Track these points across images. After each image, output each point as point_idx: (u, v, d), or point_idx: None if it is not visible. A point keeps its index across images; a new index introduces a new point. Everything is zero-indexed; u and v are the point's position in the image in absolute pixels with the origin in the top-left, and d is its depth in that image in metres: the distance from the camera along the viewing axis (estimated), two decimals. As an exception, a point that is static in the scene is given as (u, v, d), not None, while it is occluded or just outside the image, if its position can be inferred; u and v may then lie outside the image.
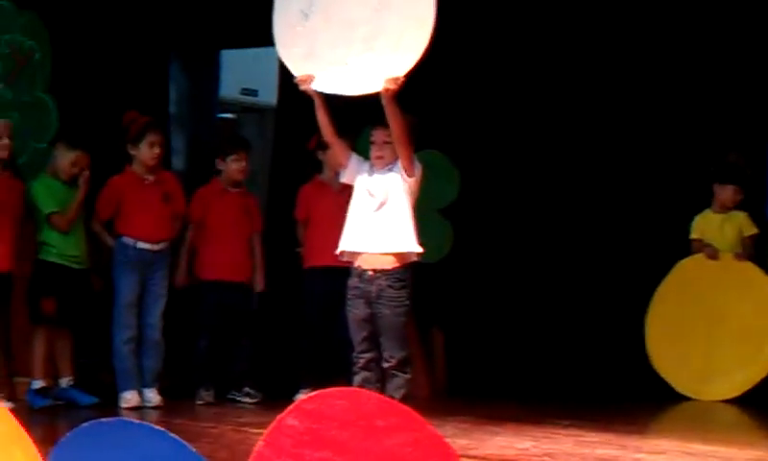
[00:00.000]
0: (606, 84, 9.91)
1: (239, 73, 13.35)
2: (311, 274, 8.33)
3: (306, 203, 8.47)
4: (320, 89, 6.66)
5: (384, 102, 6.41)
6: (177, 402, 8.03)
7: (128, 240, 7.94)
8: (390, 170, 6.60)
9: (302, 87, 6.67)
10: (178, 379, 8.49)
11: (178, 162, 11.02)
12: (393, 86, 6.38)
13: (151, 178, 8.05)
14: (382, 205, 6.55)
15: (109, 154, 8.28)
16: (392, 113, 6.43)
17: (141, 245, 7.94)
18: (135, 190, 7.99)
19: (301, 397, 6.27)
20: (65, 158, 8.03)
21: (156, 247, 7.98)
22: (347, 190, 7.16)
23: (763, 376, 8.81)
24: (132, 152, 7.99)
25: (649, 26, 9.77)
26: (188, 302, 8.42)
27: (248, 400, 8.20)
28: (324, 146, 8.07)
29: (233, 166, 8.38)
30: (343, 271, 6.92)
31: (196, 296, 8.34)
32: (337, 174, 8.03)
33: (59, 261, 7.95)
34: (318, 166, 8.47)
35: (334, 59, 6.63)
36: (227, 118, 13.98)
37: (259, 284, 8.35)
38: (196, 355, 8.27)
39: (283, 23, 6.85)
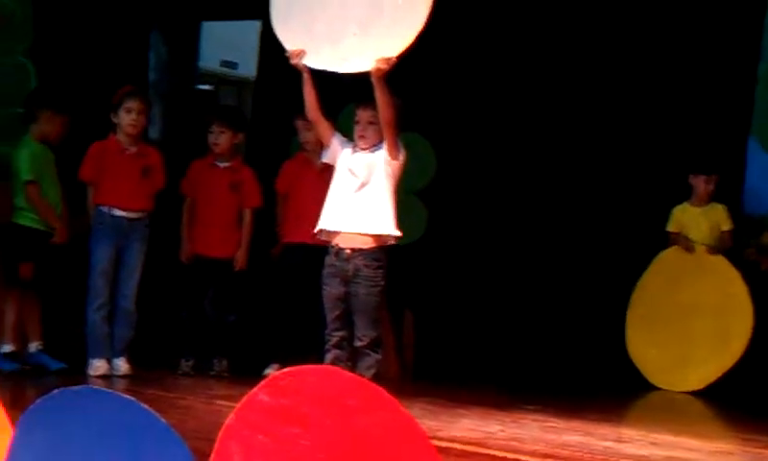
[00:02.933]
0: (586, 71, 9.94)
1: (219, 45, 13.32)
2: (287, 249, 8.34)
3: (288, 177, 8.46)
4: (310, 65, 6.61)
5: (374, 82, 6.35)
6: (148, 372, 8.02)
7: (103, 208, 7.91)
8: (373, 151, 6.57)
9: (293, 62, 6.61)
10: (156, 350, 8.49)
11: (153, 132, 10.98)
12: (384, 67, 6.32)
13: (133, 149, 8.00)
14: (363, 185, 6.53)
15: (90, 121, 8.25)
16: (382, 95, 6.38)
17: (116, 212, 7.90)
18: (115, 158, 7.95)
19: (271, 372, 6.31)
20: (55, 124, 8.00)
21: (131, 215, 7.93)
22: (329, 169, 7.16)
23: (728, 368, 8.88)
24: (114, 120, 7.96)
25: (628, 19, 9.79)
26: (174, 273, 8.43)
27: (224, 372, 8.19)
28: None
29: (210, 138, 8.34)
30: (319, 249, 6.92)
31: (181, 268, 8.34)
32: (318, 152, 8.07)
33: (34, 226, 7.91)
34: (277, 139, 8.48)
35: (329, 35, 6.59)
36: (205, 90, 13.93)
37: (239, 261, 8.28)
38: (178, 326, 8.27)
39: None
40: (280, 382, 3.12)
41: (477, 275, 10.06)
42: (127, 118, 7.93)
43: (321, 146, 7.34)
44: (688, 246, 9.25)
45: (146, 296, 8.17)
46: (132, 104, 7.96)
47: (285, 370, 3.15)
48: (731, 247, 9.19)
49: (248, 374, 7.49)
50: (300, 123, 8.19)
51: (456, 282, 10.02)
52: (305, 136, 8.27)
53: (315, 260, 7.10)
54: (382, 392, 3.11)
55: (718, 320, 9.00)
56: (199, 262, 8.26)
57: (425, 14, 6.29)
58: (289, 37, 6.70)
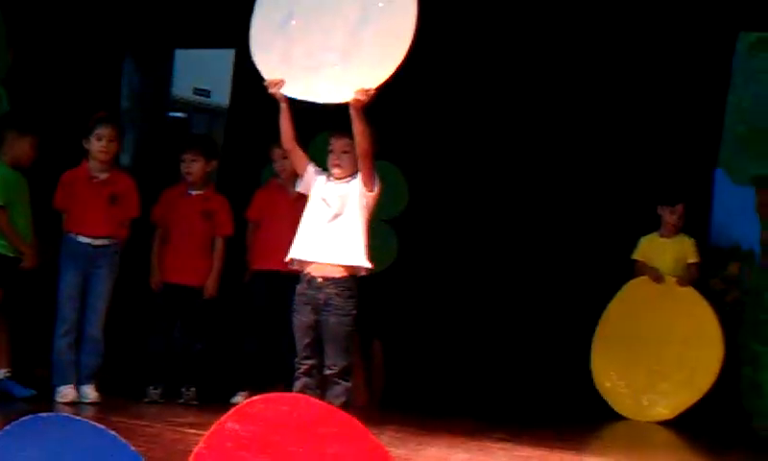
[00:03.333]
0: (554, 100, 10.00)
1: (192, 73, 13.33)
2: (257, 277, 8.35)
3: (260, 205, 8.48)
4: (289, 95, 6.62)
5: (352, 113, 6.34)
6: (116, 400, 7.99)
7: (70, 234, 7.91)
8: (348, 182, 6.57)
9: (272, 91, 6.59)
10: (124, 377, 8.48)
11: (125, 159, 10.97)
12: (363, 98, 6.31)
13: (102, 175, 8.00)
14: (336, 216, 6.52)
15: (64, 147, 8.25)
16: (359, 126, 6.37)
17: (81, 239, 7.89)
18: (83, 186, 7.95)
19: (239, 400, 6.31)
20: (23, 144, 7.99)
21: (96, 242, 7.92)
22: (302, 198, 7.21)
23: (695, 400, 8.92)
24: (86, 146, 7.97)
25: (596, 48, 9.87)
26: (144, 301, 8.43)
27: (192, 400, 8.17)
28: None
29: (183, 167, 8.36)
30: (288, 277, 6.96)
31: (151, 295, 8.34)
32: (293, 180, 8.10)
33: (2, 251, 7.89)
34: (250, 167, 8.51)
35: (308, 65, 6.60)
36: (178, 117, 13.93)
37: (209, 289, 8.28)
38: (146, 354, 8.26)
39: (261, 26, 6.81)
40: (249, 410, 3.13)
41: (446, 303, 10.08)
42: (97, 145, 7.94)
43: (295, 175, 7.36)
44: (657, 276, 9.29)
45: (115, 323, 8.16)
46: (103, 130, 7.96)
47: (254, 398, 3.16)
48: (697, 279, 9.24)
49: (216, 402, 7.50)
50: (276, 151, 8.21)
51: (425, 311, 10.04)
52: (281, 165, 8.30)
53: (284, 288, 7.18)
54: (352, 420, 3.13)
55: (687, 350, 9.03)
56: (168, 290, 8.26)
57: (407, 46, 6.28)
58: (267, 66, 6.69)
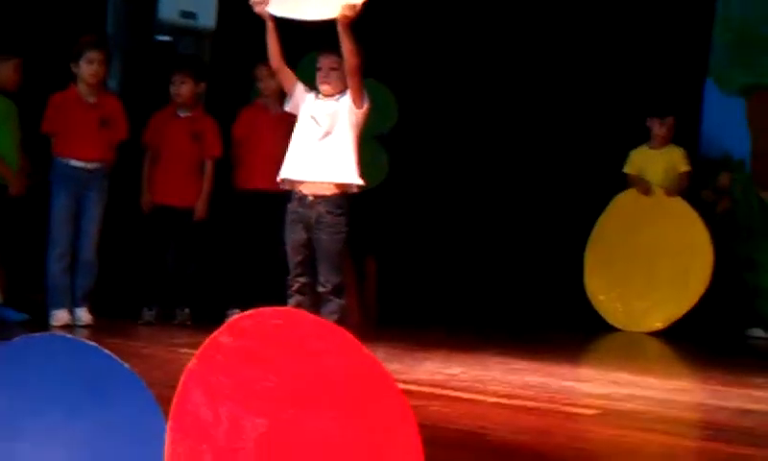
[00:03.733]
0: (543, 15, 9.95)
1: (178, -5, 13.20)
2: (243, 196, 8.37)
3: (245, 123, 8.47)
4: (274, 13, 6.56)
5: (340, 30, 6.31)
6: (110, 322, 8.02)
7: (62, 159, 7.89)
8: (337, 99, 6.55)
9: (257, 9, 6.53)
10: (118, 300, 8.50)
11: (113, 84, 10.90)
12: (350, 14, 6.27)
13: (92, 99, 7.97)
14: (327, 134, 6.51)
15: (50, 71, 8.20)
16: (347, 42, 6.34)
17: (75, 163, 7.88)
18: (74, 109, 7.92)
19: (232, 316, 6.31)
20: (7, 68, 7.94)
21: (90, 166, 7.91)
22: (286, 118, 7.27)
23: (687, 310, 8.97)
24: (74, 70, 7.92)
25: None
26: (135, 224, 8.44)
27: (186, 321, 8.21)
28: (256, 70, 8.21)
29: (172, 89, 8.33)
30: (273, 196, 7.08)
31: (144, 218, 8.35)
32: (275, 99, 8.13)
33: (-9, 180, 7.88)
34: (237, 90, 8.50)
35: None
36: (164, 41, 13.83)
37: (199, 211, 8.30)
38: (140, 275, 8.28)
39: None
40: (242, 324, 3.13)
41: (438, 220, 10.09)
42: (88, 69, 7.90)
43: (280, 94, 7.44)
44: (646, 188, 9.30)
45: (107, 246, 8.17)
46: (94, 54, 7.93)
47: (247, 312, 3.16)
48: (688, 189, 9.25)
49: (211, 322, 7.51)
50: (260, 71, 8.20)
51: (418, 228, 10.05)
52: (267, 84, 8.30)
53: (270, 207, 7.38)
54: (346, 334, 3.13)
55: (677, 261, 9.07)
56: (159, 212, 8.27)
57: None
58: None
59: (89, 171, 7.92)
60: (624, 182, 9.44)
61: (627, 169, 9.42)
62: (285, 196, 7.09)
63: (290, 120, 7.53)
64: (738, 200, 9.46)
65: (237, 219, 8.41)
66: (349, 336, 3.12)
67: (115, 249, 8.53)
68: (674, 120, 9.29)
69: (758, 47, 9.65)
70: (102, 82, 8.10)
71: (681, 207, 9.15)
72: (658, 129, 9.31)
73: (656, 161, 9.32)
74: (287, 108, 6.80)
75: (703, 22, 9.69)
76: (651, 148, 9.40)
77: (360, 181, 6.54)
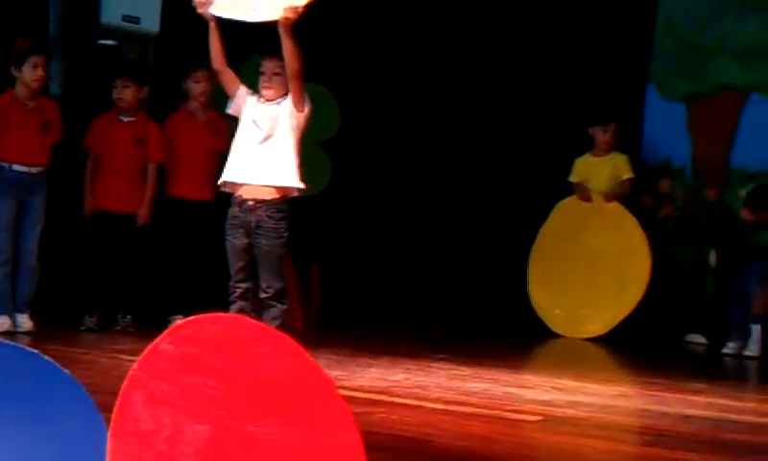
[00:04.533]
0: (486, 23, 9.99)
1: (120, 0, 13.14)
2: (173, 203, 8.36)
3: (171, 132, 8.43)
4: (216, 14, 6.54)
5: (282, 32, 6.30)
6: (51, 329, 7.95)
7: (3, 163, 7.81)
8: (279, 103, 6.54)
9: (200, 10, 6.49)
10: (59, 306, 8.44)
11: (54, 87, 10.82)
12: (292, 16, 6.26)
13: (31, 103, 7.90)
14: (268, 137, 6.50)
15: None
16: (288, 45, 6.34)
17: (17, 167, 7.81)
18: (14, 113, 7.85)
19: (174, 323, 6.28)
20: None
21: (33, 170, 7.85)
22: (212, 123, 7.45)
23: (626, 315, 9.03)
24: (15, 74, 7.85)
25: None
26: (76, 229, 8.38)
27: (129, 327, 8.16)
28: (184, 74, 8.20)
29: (114, 93, 8.29)
30: (199, 204, 7.64)
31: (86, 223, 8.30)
32: (203, 105, 8.16)
33: None
34: (180, 94, 8.48)
35: None
36: (107, 44, 13.75)
37: (142, 217, 8.25)
38: (81, 282, 8.22)
39: None
40: (183, 331, 3.12)
41: (382, 226, 10.10)
42: (33, 73, 7.84)
43: (207, 100, 7.97)
44: (585, 195, 9.37)
45: (48, 252, 8.10)
46: (38, 59, 7.87)
47: (189, 319, 3.15)
48: (630, 195, 9.31)
49: (153, 328, 7.47)
50: (198, 75, 8.21)
51: (361, 233, 10.05)
52: (199, 88, 8.30)
53: (198, 214, 7.95)
54: (287, 339, 3.13)
55: (616, 266, 9.13)
56: (101, 217, 8.22)
57: None
58: None
59: (32, 175, 7.86)
60: (570, 191, 9.49)
61: (572, 178, 9.48)
62: (212, 203, 7.30)
63: (216, 125, 7.72)
64: (681, 207, 9.55)
65: (171, 226, 8.38)
66: (292, 342, 3.12)
67: (56, 255, 8.46)
68: (616, 127, 9.34)
69: (699, 54, 9.75)
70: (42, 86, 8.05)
71: (619, 213, 9.21)
72: (601, 136, 9.37)
73: (600, 169, 9.38)
74: (229, 110, 6.78)
75: (644, 28, 9.77)
76: (594, 156, 9.45)
77: (301, 185, 6.54)
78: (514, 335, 9.22)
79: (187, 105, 8.50)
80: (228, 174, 6.58)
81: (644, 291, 9.00)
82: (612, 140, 9.36)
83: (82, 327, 8.09)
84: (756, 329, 8.76)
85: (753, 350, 8.74)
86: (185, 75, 8.41)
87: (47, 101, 8.18)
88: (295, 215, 6.66)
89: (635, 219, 9.15)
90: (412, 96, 10.13)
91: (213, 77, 7.24)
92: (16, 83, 7.87)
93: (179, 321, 3.36)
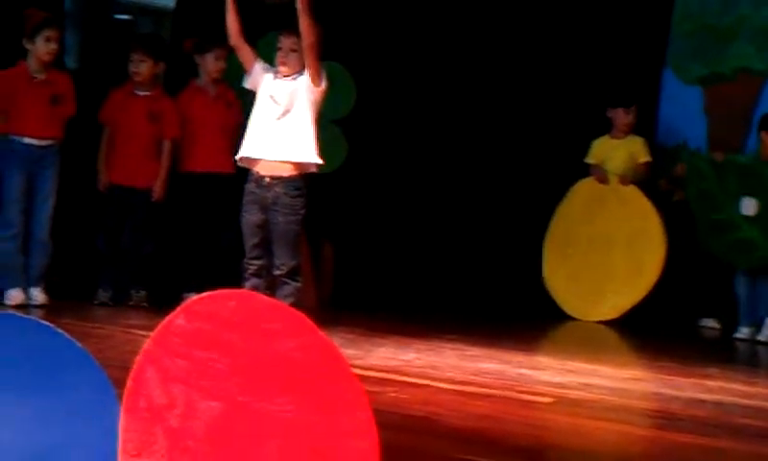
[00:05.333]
0: (506, 7, 9.96)
1: (137, -27, 13.14)
2: (187, 178, 8.35)
3: (183, 108, 8.41)
4: None
5: (299, 8, 6.33)
6: (65, 303, 7.96)
7: (13, 136, 7.81)
8: (295, 79, 6.55)
9: None
10: (73, 280, 8.45)
11: (70, 61, 10.83)
12: None
13: (42, 76, 7.89)
14: (286, 113, 6.52)
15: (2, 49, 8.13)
16: (306, 21, 6.36)
17: (27, 140, 7.81)
18: (24, 86, 7.83)
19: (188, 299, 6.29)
20: None
21: (43, 143, 7.84)
22: (222, 97, 7.48)
23: (641, 298, 9.01)
24: (28, 46, 7.84)
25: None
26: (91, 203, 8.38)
27: (142, 302, 8.17)
28: (200, 49, 8.17)
29: (130, 67, 8.28)
30: (217, 177, 7.77)
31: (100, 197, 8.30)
32: (214, 79, 8.14)
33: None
34: (194, 70, 8.46)
35: None
36: (123, 19, 13.75)
37: (156, 192, 8.24)
38: (95, 256, 8.23)
39: None
40: (197, 307, 3.12)
41: (397, 205, 10.08)
42: (46, 47, 7.82)
43: (220, 77, 8.08)
44: (602, 177, 9.34)
45: (62, 226, 8.11)
46: (52, 32, 7.85)
47: (202, 294, 3.15)
48: (647, 179, 9.28)
49: (166, 304, 7.48)
50: (218, 51, 8.18)
51: (375, 213, 10.04)
52: (218, 65, 8.28)
53: (214, 188, 7.98)
54: (301, 317, 3.13)
55: (631, 250, 9.10)
56: (116, 192, 8.22)
57: None
58: None
59: (42, 148, 7.85)
60: (586, 172, 9.47)
61: (589, 159, 9.44)
62: (227, 177, 7.28)
63: (227, 99, 7.70)
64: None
65: (186, 201, 8.37)
66: (305, 319, 3.12)
67: (70, 228, 8.47)
68: (637, 109, 9.31)
69: (716, 37, 9.70)
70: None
71: (635, 197, 9.18)
72: (623, 118, 9.32)
73: (617, 151, 9.35)
74: (246, 84, 6.81)
75: (662, 11, 9.72)
76: (613, 137, 9.42)
77: (319, 160, 6.55)
78: (527, 317, 9.22)
79: (196, 80, 8.47)
80: (246, 149, 6.59)
81: (658, 276, 8.96)
82: (634, 122, 9.32)
83: (95, 302, 8.10)
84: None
85: (766, 335, 8.71)
86: (202, 49, 8.36)
87: (59, 74, 8.15)
88: (309, 192, 6.67)
89: (651, 203, 9.11)
90: (429, 75, 10.10)
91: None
92: (28, 55, 7.86)
93: (192, 297, 3.36)
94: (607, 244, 9.22)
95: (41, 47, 7.81)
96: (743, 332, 8.81)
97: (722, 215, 8.88)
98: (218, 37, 7.17)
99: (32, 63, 7.87)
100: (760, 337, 8.72)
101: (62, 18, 10.25)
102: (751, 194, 8.72)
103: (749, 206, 8.73)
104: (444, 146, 10.10)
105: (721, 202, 8.89)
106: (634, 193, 9.19)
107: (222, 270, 7.74)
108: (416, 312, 9.15)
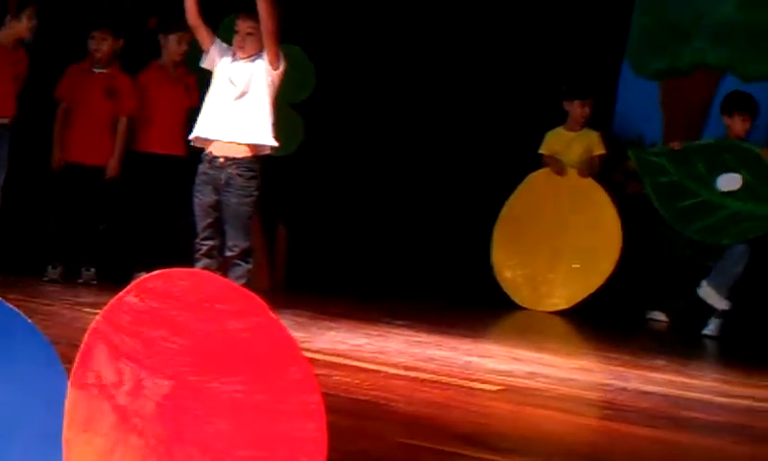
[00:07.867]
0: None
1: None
2: (141, 158, 8.31)
3: (142, 87, 8.37)
4: None
5: None
6: (13, 278, 7.90)
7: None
8: (254, 61, 6.55)
9: None
10: (23, 256, 8.40)
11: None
12: None
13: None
14: (243, 94, 6.52)
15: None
16: (264, 4, 6.35)
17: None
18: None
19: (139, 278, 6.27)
20: None
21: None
22: (182, 80, 7.45)
23: (593, 290, 9.05)
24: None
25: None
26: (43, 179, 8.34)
27: (92, 280, 8.13)
28: (165, 28, 8.12)
29: (91, 44, 8.24)
30: (171, 159, 7.71)
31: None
32: (175, 61, 8.10)
33: None
34: (157, 50, 8.42)
35: None
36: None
37: (111, 169, 8.19)
38: (46, 232, 8.18)
39: None
40: (148, 285, 3.12)
41: (352, 190, 10.09)
42: (27, 23, 7.80)
43: (181, 60, 8.00)
44: (559, 168, 9.36)
45: (13, 201, 8.05)
46: (29, 11, 7.83)
47: (155, 272, 3.15)
48: (600, 171, 9.32)
49: (116, 282, 7.45)
50: (183, 35, 8.12)
51: (331, 197, 10.04)
52: (181, 48, 8.23)
53: (168, 170, 7.90)
54: (253, 297, 3.13)
55: (586, 242, 9.12)
56: (70, 169, 8.17)
57: None
58: None
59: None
60: (539, 163, 9.48)
61: (542, 150, 9.46)
62: (181, 159, 7.26)
63: (187, 81, 7.68)
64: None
65: (139, 180, 8.33)
66: (257, 300, 3.12)
67: (21, 205, 8.41)
68: (592, 101, 9.34)
69: (675, 33, 9.74)
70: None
71: (592, 189, 9.21)
72: (579, 110, 9.33)
73: (572, 143, 9.36)
74: (203, 64, 6.80)
75: (622, 5, 9.77)
76: (568, 130, 9.43)
77: (274, 143, 6.55)
78: (478, 305, 9.24)
79: (158, 60, 8.44)
80: (200, 129, 6.58)
81: (613, 268, 8.99)
82: (589, 115, 9.35)
83: (44, 278, 8.05)
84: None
85: (711, 329, 8.77)
86: (166, 29, 8.31)
87: (22, 52, 8.09)
88: (265, 175, 6.67)
89: (608, 196, 9.14)
90: (387, 62, 10.10)
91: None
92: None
93: (143, 276, 3.35)
94: (560, 235, 9.23)
95: (25, 24, 7.79)
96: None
97: (693, 201, 8.89)
98: (181, 17, 7.13)
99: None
100: (706, 331, 8.77)
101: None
102: (728, 170, 8.73)
103: (731, 181, 8.74)
104: (399, 134, 10.11)
105: (692, 188, 8.92)
106: (592, 185, 9.21)
107: (174, 250, 7.72)
108: (367, 297, 9.16)
